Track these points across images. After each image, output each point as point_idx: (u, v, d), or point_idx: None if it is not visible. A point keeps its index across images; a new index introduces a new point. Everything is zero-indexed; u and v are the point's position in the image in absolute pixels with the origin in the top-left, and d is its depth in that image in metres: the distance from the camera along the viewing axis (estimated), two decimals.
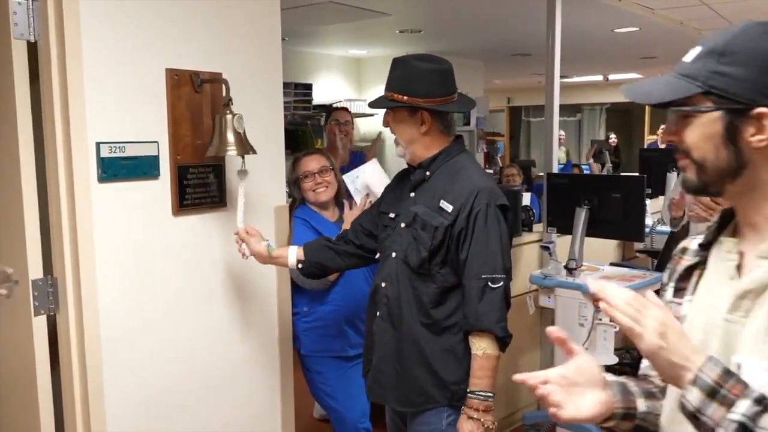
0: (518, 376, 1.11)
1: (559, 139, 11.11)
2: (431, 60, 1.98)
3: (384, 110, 2.03)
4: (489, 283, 1.87)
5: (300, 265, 2.20)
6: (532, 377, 1.09)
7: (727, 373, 0.94)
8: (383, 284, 2.04)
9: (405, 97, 1.92)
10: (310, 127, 6.52)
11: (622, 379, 1.18)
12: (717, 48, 1.01)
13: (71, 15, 1.82)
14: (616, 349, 3.20)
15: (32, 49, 1.87)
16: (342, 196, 2.78)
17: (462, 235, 1.90)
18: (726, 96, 0.99)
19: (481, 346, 1.89)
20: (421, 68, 1.94)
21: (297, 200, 2.73)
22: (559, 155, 10.94)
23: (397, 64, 1.98)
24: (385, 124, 2.03)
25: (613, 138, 10.88)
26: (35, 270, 1.91)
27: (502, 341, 1.90)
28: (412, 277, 1.97)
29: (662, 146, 10.10)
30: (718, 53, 1.00)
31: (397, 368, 2.02)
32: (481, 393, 1.88)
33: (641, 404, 1.15)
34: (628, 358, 4.46)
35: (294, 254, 2.20)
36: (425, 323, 1.96)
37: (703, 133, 1.02)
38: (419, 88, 1.92)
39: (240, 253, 2.17)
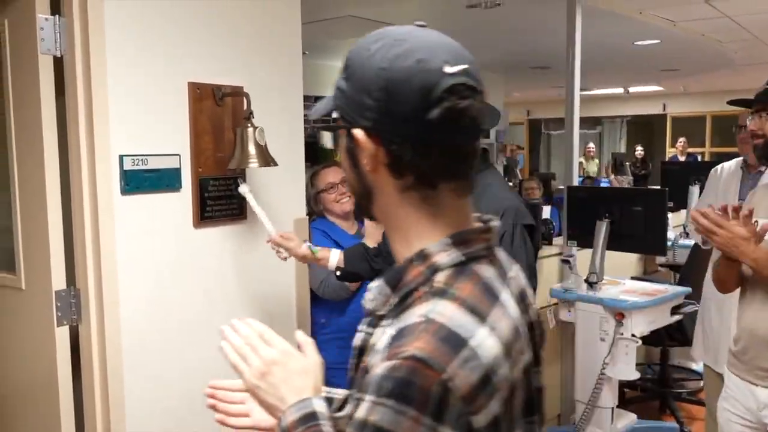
0: (208, 390, 1.11)
1: (589, 151, 11.05)
2: None
3: None
4: None
5: (338, 272, 2.24)
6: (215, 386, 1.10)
7: (303, 420, 0.89)
8: None
9: None
10: None
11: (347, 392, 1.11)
12: (344, 61, 0.89)
13: (96, 31, 1.86)
14: (637, 364, 3.16)
15: (58, 63, 1.91)
16: None
17: None
18: (341, 114, 0.88)
19: None
20: None
21: (316, 214, 2.73)
22: (591, 168, 10.82)
23: None
24: None
25: (639, 150, 10.79)
26: (58, 281, 1.94)
27: None
28: None
29: (682, 159, 10.00)
30: (342, 67, 0.89)
31: None
32: None
33: None
34: (650, 374, 4.41)
35: (335, 259, 2.24)
36: None
37: (341, 152, 0.92)
38: None
39: (279, 257, 2.21)
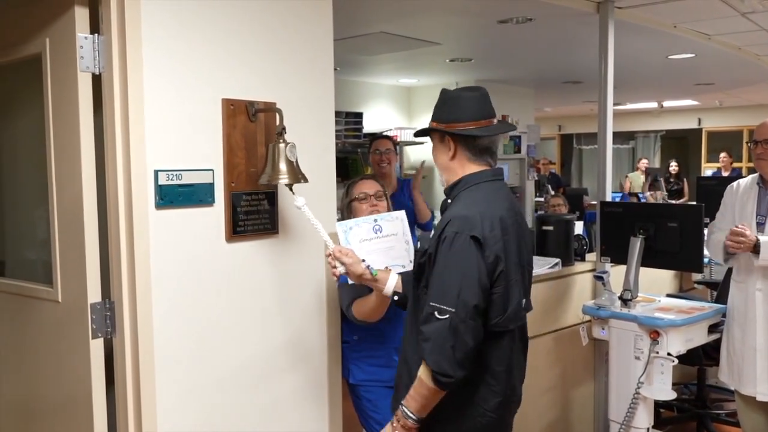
0: None
1: (643, 166, 10.91)
2: (468, 89, 2.02)
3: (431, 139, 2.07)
4: (435, 313, 1.79)
5: (396, 297, 2.19)
6: None
7: None
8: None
9: (434, 123, 1.98)
10: (360, 155, 6.59)
11: None
12: None
13: (134, 49, 1.90)
14: (674, 384, 3.09)
15: (96, 81, 1.96)
16: None
17: (431, 261, 1.88)
18: None
19: (421, 370, 1.83)
20: (451, 95, 1.99)
21: None
22: (639, 182, 10.64)
23: (440, 95, 2.04)
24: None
25: (673, 165, 10.61)
26: (94, 294, 1.97)
27: (434, 377, 1.78)
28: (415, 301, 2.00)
29: (725, 174, 9.77)
30: None
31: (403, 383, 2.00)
32: (406, 408, 1.85)
33: None
34: (687, 394, 4.30)
35: (393, 282, 2.18)
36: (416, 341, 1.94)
37: None
38: (446, 114, 1.96)
39: (334, 273, 2.16)
